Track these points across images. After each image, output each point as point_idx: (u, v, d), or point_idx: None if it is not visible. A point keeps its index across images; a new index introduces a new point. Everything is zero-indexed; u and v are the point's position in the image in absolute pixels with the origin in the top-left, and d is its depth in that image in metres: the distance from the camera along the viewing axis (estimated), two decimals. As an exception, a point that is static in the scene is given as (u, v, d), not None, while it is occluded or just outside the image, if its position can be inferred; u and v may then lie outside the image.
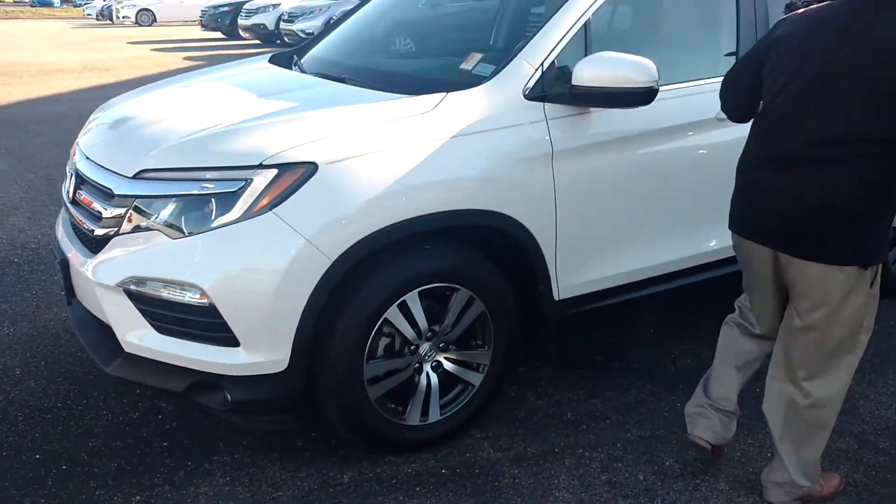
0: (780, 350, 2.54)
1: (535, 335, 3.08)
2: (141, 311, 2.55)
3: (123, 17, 31.93)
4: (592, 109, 2.90)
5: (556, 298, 3.02)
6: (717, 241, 3.34)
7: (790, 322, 2.46)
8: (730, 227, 2.52)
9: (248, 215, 2.44)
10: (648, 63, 2.72)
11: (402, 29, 3.64)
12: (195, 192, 2.51)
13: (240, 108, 2.90)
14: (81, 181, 2.88)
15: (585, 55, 2.89)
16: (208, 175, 2.53)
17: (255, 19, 20.27)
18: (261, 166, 2.47)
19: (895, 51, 2.09)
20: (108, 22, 33.40)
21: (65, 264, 2.83)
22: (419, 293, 2.70)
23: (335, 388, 2.63)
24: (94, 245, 2.69)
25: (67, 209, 3.00)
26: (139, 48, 19.92)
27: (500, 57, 2.90)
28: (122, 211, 2.58)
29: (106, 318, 2.62)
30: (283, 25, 18.84)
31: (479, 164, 2.70)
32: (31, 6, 50.54)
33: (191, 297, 2.46)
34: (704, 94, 3.18)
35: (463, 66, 2.97)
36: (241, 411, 2.61)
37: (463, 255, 2.78)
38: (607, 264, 3.12)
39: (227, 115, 2.82)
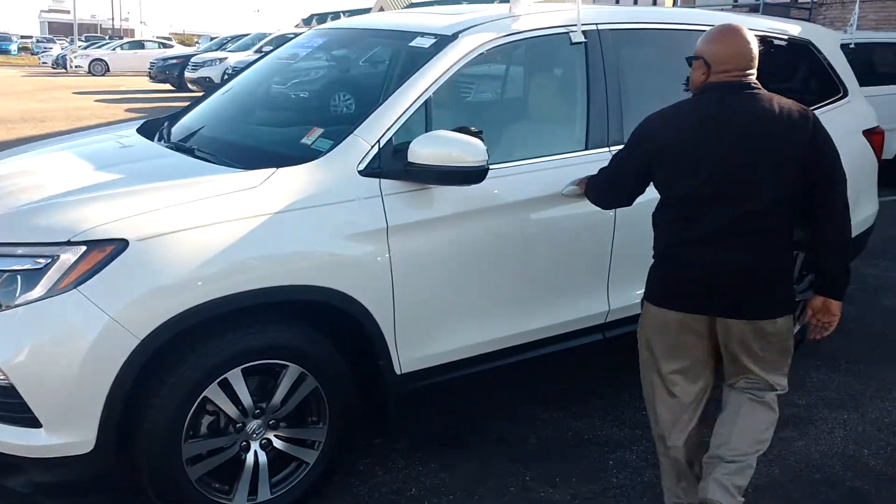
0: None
1: (379, 410, 3.05)
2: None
3: (76, 67, 31.88)
4: (432, 185, 2.92)
5: (399, 372, 2.99)
6: (564, 313, 3.37)
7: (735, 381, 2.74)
8: (660, 306, 2.66)
9: (52, 292, 2.39)
10: (478, 143, 2.77)
11: (269, 98, 3.66)
12: (3, 267, 2.46)
13: (69, 181, 2.87)
14: None
15: (426, 132, 2.93)
16: (19, 251, 2.49)
17: (202, 72, 20.35)
18: (69, 243, 2.43)
19: (778, 124, 2.49)
20: (63, 70, 33.29)
21: None
22: (245, 370, 2.67)
23: (152, 469, 2.56)
24: None
25: None
26: (84, 98, 19.82)
27: (346, 132, 2.92)
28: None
29: None
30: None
31: (306, 240, 2.69)
32: None
33: (-10, 376, 2.39)
34: (550, 170, 3.24)
35: (304, 140, 2.98)
36: (46, 494, 2.53)
37: (293, 331, 2.75)
38: (453, 337, 3.11)
39: (53, 187, 2.79)
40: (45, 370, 2.37)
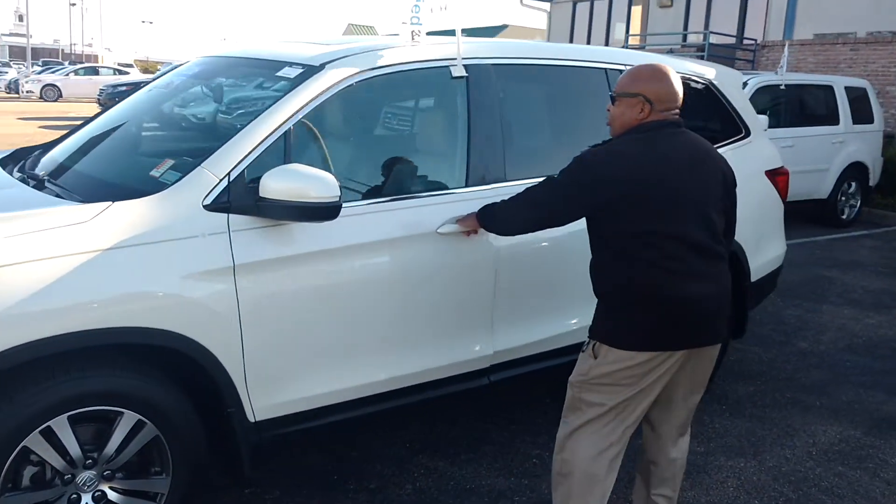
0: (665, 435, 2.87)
1: (235, 459, 2.86)
2: None
3: (28, 92, 31.37)
4: (287, 221, 2.77)
5: (252, 420, 2.82)
6: (440, 357, 3.22)
7: (672, 411, 2.81)
8: (647, 350, 2.56)
9: None
10: (329, 178, 2.65)
11: (135, 128, 3.46)
12: None
13: None
14: None
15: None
16: None
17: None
18: None
19: (713, 157, 2.71)
20: (16, 95, 32.77)
21: None
22: (73, 417, 2.48)
23: (-37, 526, 2.36)
24: None
25: None
26: (28, 125, 19.44)
27: (194, 164, 2.76)
28: None
29: None
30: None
31: (140, 279, 2.52)
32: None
33: None
34: (424, 207, 3.12)
35: (153, 172, 2.82)
36: None
37: (128, 376, 2.57)
38: (315, 383, 2.94)
39: None
40: None
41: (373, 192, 3.14)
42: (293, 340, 2.85)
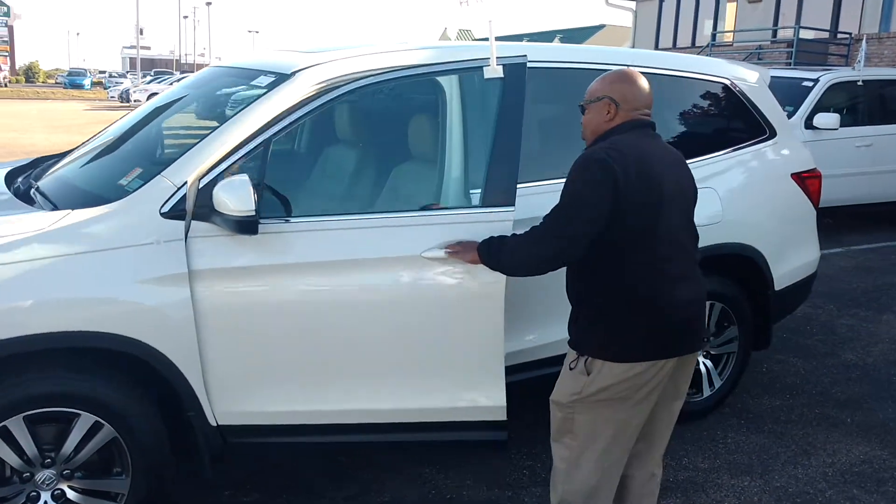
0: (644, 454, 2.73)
1: (197, 461, 2.91)
2: None
3: (136, 101, 32.99)
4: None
5: (214, 424, 2.86)
6: (419, 400, 3.03)
7: (654, 422, 2.67)
8: (645, 359, 2.45)
9: None
10: (243, 193, 2.55)
11: (128, 138, 3.53)
12: None
13: None
14: None
15: (263, 177, 2.82)
16: None
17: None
18: None
19: (682, 160, 2.63)
20: (127, 104, 34.52)
21: None
22: (31, 417, 2.58)
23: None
24: None
25: None
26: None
27: (156, 172, 2.82)
28: None
29: None
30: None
31: (93, 283, 2.60)
32: (65, 88, 52.69)
33: None
34: (405, 227, 2.94)
35: (121, 180, 2.91)
36: None
37: (84, 378, 2.65)
38: (278, 400, 2.91)
39: None
40: None
41: (342, 207, 3.07)
42: (253, 352, 2.85)
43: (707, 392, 4.08)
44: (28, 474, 2.63)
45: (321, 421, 2.99)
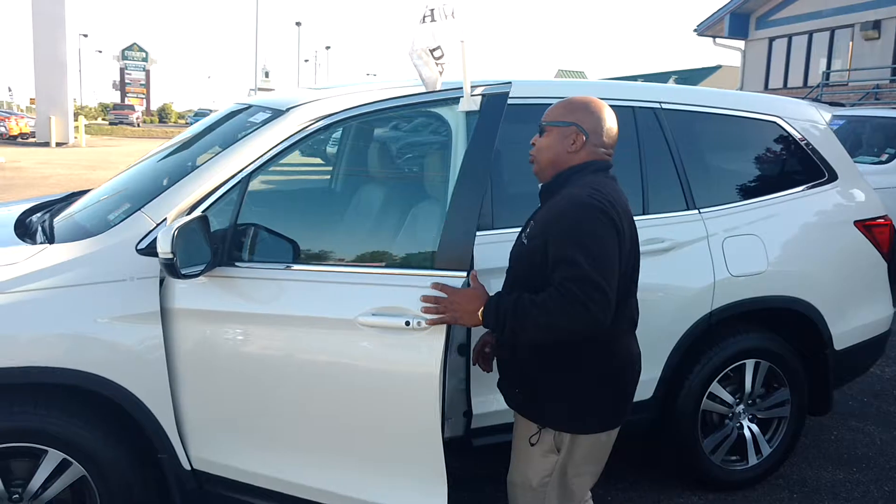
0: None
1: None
2: None
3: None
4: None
5: (189, 468, 2.76)
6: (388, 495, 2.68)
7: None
8: (617, 425, 2.35)
9: None
10: (164, 237, 2.39)
11: (139, 174, 3.52)
12: None
13: None
14: None
15: (237, 217, 2.74)
16: None
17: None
18: None
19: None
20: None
21: None
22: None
23: None
24: None
25: None
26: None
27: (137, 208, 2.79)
28: None
29: None
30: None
31: (59, 319, 2.55)
32: (187, 123, 55.74)
33: None
34: (389, 286, 2.62)
35: (110, 215, 2.88)
36: None
37: (52, 414, 2.60)
38: (255, 461, 2.74)
39: None
40: None
41: (322, 256, 2.91)
42: (226, 401, 2.73)
43: (753, 460, 3.69)
44: (-6, 511, 2.61)
45: (299, 495, 2.76)
